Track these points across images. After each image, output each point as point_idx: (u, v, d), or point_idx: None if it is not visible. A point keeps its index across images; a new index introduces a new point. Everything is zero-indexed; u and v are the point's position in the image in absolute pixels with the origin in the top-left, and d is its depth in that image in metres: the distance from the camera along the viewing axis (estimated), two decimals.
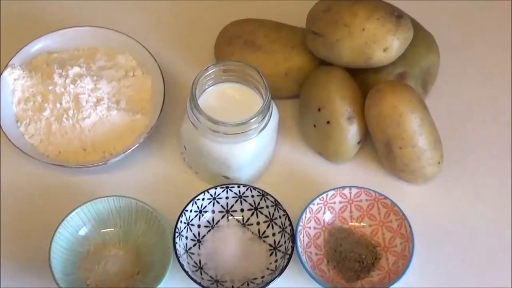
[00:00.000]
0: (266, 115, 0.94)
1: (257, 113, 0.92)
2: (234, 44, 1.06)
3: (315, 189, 1.01)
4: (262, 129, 0.95)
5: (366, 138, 1.02)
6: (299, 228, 0.96)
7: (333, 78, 1.00)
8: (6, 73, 1.02)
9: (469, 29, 1.18)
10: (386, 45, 0.97)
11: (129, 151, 0.98)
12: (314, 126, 1.01)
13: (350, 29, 0.97)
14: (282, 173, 1.05)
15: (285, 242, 0.96)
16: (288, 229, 0.96)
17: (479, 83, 1.13)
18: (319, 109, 1.00)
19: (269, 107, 0.95)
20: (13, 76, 1.03)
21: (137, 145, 0.99)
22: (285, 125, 1.05)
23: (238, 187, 0.99)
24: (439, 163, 1.00)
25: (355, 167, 1.05)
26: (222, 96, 0.98)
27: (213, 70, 0.96)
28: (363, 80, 1.03)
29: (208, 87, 0.98)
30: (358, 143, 1.01)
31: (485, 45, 1.16)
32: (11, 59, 1.04)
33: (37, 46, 1.06)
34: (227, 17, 1.11)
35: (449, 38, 1.14)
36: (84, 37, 1.07)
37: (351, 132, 0.99)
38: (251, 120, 0.92)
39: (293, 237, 0.95)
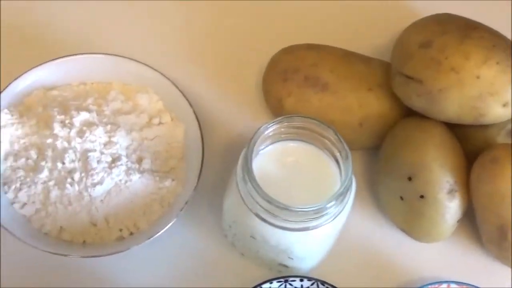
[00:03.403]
0: (346, 195, 0.69)
1: (336, 195, 0.67)
2: (291, 81, 0.80)
3: (399, 279, 0.78)
4: (339, 213, 0.70)
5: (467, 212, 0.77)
6: None
7: (430, 137, 0.75)
8: None
9: None
10: (507, 98, 0.72)
11: (157, 234, 0.73)
12: (401, 198, 0.76)
13: (459, 76, 0.72)
14: (353, 256, 0.80)
15: None
16: None
17: None
18: (409, 178, 0.75)
19: (351, 183, 0.70)
20: None
21: (168, 225, 0.73)
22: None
23: (301, 280, 0.74)
24: None
25: (449, 247, 0.80)
26: (282, 161, 0.72)
27: (274, 127, 0.70)
28: (464, 135, 0.78)
29: (263, 148, 0.72)
30: (458, 221, 0.76)
31: None
32: None
33: (31, 79, 0.79)
34: (277, 42, 0.84)
35: None
36: (93, 68, 0.80)
37: (452, 210, 0.75)
38: (327, 205, 0.67)
39: None
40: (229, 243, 0.79)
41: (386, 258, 0.80)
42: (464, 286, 0.75)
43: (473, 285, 0.75)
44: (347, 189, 0.68)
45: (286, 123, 0.71)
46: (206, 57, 0.88)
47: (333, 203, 0.67)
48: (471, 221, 0.79)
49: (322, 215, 0.68)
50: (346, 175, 0.68)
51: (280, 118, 0.71)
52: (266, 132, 0.70)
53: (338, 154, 0.71)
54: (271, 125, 0.70)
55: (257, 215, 0.69)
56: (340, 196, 0.68)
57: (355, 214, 0.80)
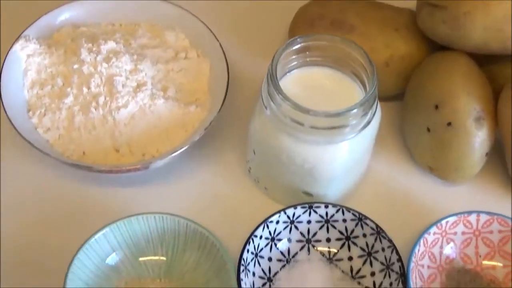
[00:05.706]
0: (370, 108, 0.68)
1: (360, 103, 0.67)
2: (317, 26, 0.81)
3: (425, 215, 0.76)
4: (364, 127, 0.69)
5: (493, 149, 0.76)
6: (412, 265, 0.69)
7: (457, 66, 0.75)
8: (17, 46, 0.77)
9: None
10: None
11: (177, 152, 0.72)
12: (428, 130, 0.75)
13: None
14: (378, 193, 0.78)
15: (390, 284, 0.69)
16: (395, 267, 0.69)
17: None
18: (436, 107, 0.74)
19: (375, 98, 0.69)
20: (27, 51, 0.77)
21: (188, 145, 0.72)
22: (381, 133, 0.77)
23: (326, 207, 0.73)
24: None
25: (477, 189, 0.79)
26: (308, 84, 0.73)
27: (299, 46, 0.71)
28: (488, 73, 0.78)
29: (288, 71, 0.72)
30: (486, 154, 0.75)
31: None
32: (25, 30, 0.79)
33: (61, 17, 0.81)
34: None
35: None
36: (121, 9, 0.82)
37: (480, 138, 0.73)
38: (351, 112, 0.66)
39: (403, 278, 0.68)
40: (252, 180, 0.78)
41: (412, 198, 0.78)
42: (494, 217, 0.73)
43: (504, 216, 0.73)
44: (372, 101, 0.68)
45: (310, 42, 0.71)
46: (237, 5, 0.90)
47: (355, 111, 0.66)
48: (500, 161, 0.77)
49: (347, 126, 0.67)
50: (370, 86, 0.68)
51: (304, 36, 0.71)
52: (291, 50, 0.70)
53: (363, 75, 0.70)
54: (296, 40, 0.70)
55: (283, 129, 0.69)
56: (364, 104, 0.67)
57: (380, 158, 0.80)
